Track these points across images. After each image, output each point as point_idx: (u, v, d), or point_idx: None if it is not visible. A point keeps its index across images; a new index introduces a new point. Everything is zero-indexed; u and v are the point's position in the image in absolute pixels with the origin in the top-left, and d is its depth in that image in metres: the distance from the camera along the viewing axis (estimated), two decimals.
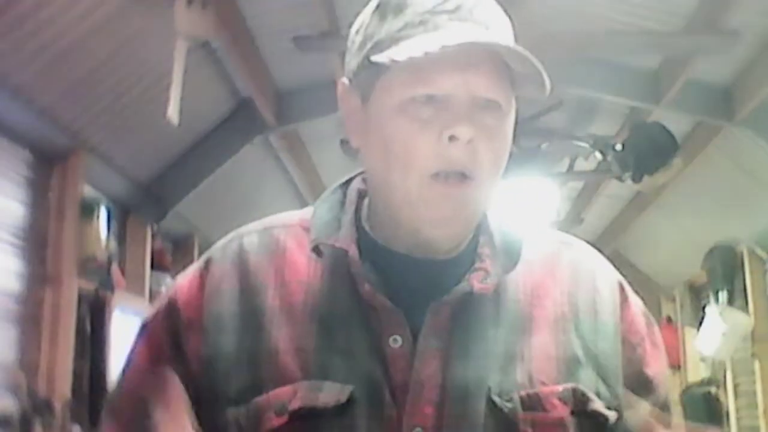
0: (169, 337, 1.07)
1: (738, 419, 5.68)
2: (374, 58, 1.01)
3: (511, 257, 1.06)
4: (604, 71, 4.34)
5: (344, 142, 5.24)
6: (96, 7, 2.99)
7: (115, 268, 3.94)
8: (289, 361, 1.01)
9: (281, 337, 1.02)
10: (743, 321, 5.31)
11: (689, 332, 6.49)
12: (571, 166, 5.35)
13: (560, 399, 1.02)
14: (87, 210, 3.68)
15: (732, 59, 3.88)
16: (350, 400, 0.98)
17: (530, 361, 1.03)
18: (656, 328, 1.14)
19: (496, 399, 1.00)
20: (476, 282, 1.03)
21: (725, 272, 5.54)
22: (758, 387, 5.24)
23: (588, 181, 6.03)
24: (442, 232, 1.04)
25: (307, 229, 1.08)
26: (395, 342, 1.01)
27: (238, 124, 4.53)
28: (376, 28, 1.03)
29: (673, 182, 4.97)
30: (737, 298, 5.48)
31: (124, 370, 1.11)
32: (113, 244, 3.97)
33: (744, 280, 5.36)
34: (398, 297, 1.02)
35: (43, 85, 3.16)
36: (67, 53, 3.08)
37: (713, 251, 5.60)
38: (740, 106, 4.08)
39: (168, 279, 4.77)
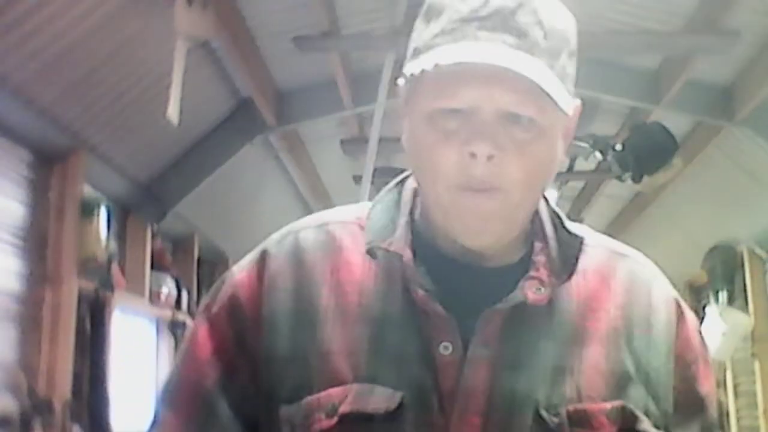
0: (234, 333, 1.05)
1: (738, 419, 5.68)
2: (405, 67, 1.01)
3: (566, 266, 1.04)
4: (604, 71, 4.33)
5: (344, 142, 5.25)
6: (96, 7, 2.99)
7: (115, 268, 3.94)
8: (341, 363, 1.00)
9: (334, 337, 1.02)
10: (743, 321, 5.31)
11: None
12: (571, 166, 5.35)
13: (608, 417, 1.00)
14: (87, 210, 3.67)
15: (732, 59, 3.88)
16: (400, 407, 0.98)
17: (580, 374, 1.01)
18: (708, 347, 1.12)
19: (544, 413, 0.98)
20: (530, 292, 1.01)
21: (725, 272, 5.53)
22: (758, 387, 5.24)
23: (588, 181, 6.03)
24: (475, 243, 1.02)
25: (363, 228, 1.07)
26: (446, 349, 0.99)
27: (238, 124, 4.53)
28: (421, 33, 1.02)
29: (673, 182, 4.97)
30: (737, 298, 5.48)
31: (182, 363, 1.09)
32: (113, 244, 3.96)
33: (744, 280, 5.35)
34: (450, 303, 1.00)
35: (43, 85, 3.16)
36: (67, 53, 3.08)
37: (713, 251, 5.60)
38: (740, 106, 4.08)
39: (168, 279, 4.77)
